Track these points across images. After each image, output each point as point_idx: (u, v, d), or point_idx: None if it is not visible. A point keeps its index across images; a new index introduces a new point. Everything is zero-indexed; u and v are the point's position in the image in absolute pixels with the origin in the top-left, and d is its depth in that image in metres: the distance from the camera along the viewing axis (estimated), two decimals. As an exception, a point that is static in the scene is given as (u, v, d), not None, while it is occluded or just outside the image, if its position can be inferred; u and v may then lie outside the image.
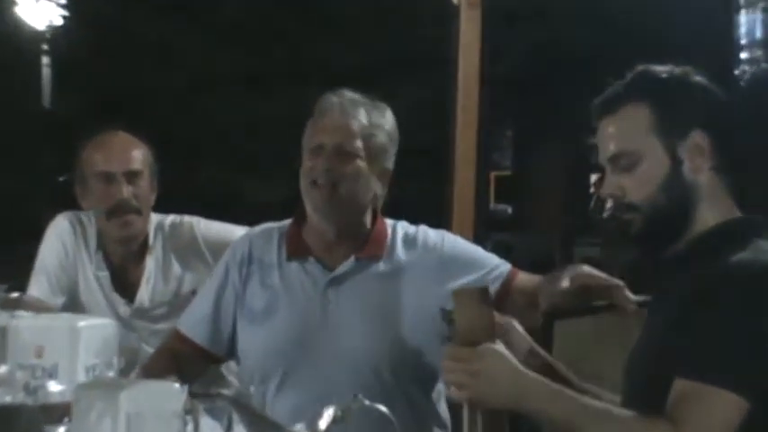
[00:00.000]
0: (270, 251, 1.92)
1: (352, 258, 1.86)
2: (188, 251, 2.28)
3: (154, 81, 8.38)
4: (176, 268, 2.27)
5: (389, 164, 1.89)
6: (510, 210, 12.09)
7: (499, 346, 1.37)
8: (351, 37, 8.42)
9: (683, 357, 1.31)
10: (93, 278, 2.24)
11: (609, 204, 1.45)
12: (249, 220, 2.20)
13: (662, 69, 1.44)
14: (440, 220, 2.12)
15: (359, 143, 1.83)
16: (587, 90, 1.51)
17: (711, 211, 1.42)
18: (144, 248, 2.26)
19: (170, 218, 2.33)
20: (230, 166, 8.49)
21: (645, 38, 7.11)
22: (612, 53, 5.80)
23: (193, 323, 1.96)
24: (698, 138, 1.41)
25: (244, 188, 8.39)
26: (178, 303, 2.22)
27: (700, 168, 1.41)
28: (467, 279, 1.84)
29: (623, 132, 1.43)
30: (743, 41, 10.05)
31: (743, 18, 10.02)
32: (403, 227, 1.94)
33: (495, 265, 1.90)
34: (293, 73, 8.24)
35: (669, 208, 1.40)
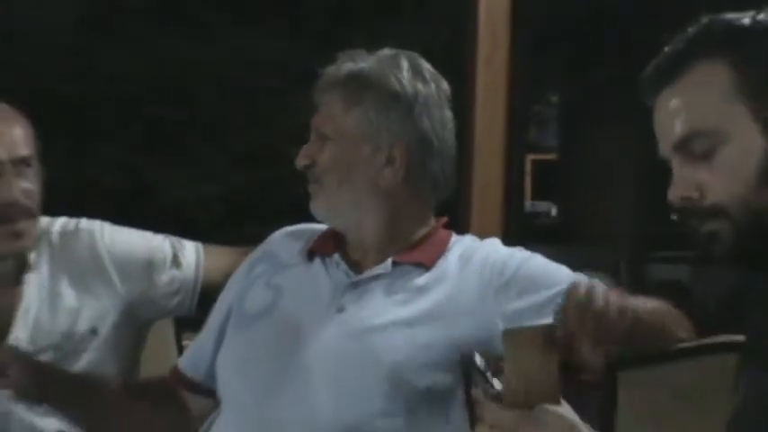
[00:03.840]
0: (293, 249, 2.15)
1: (388, 261, 2.04)
2: (87, 271, 2.30)
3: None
4: (69, 296, 2.29)
5: (397, 130, 2.02)
6: (554, 210, 12.14)
7: (566, 410, 1.39)
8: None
9: None
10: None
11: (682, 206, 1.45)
12: (165, 226, 2.25)
13: (738, 16, 1.44)
14: (452, 224, 2.18)
15: (337, 120, 2.04)
16: (673, 28, 1.52)
17: None
18: (21, 266, 2.27)
19: (59, 222, 2.35)
20: (137, 145, 8.47)
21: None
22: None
23: (194, 358, 2.18)
24: None
25: (156, 179, 8.39)
26: (70, 348, 2.25)
27: None
28: (524, 301, 1.96)
29: (694, 104, 1.43)
30: None
31: None
32: (471, 240, 2.13)
33: (566, 280, 1.97)
34: (237, 7, 8.25)
35: None
